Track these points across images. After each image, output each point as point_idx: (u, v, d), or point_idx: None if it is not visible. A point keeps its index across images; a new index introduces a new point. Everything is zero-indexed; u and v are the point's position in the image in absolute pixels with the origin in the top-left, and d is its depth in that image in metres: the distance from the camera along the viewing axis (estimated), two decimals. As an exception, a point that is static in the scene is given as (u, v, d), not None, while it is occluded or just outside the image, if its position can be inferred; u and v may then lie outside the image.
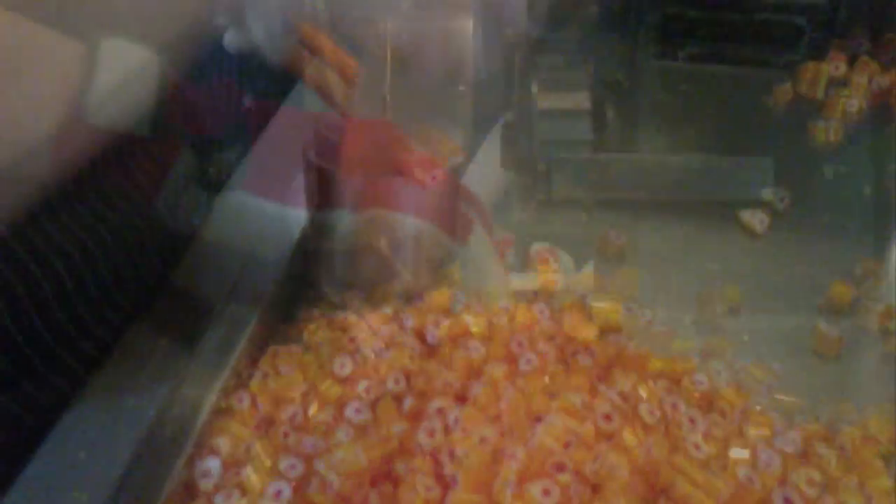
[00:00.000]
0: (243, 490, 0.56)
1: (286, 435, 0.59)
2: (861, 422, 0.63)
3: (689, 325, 0.73)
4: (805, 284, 0.77)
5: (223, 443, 0.58)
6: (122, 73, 0.54)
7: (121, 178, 0.71)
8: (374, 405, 0.61)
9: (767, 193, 0.86)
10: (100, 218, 0.68)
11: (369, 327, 0.69)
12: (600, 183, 0.90)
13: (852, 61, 1.07)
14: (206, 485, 0.56)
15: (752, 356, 0.69)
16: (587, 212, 0.87)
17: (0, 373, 0.64)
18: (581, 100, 0.94)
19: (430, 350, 0.66)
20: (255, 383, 0.64)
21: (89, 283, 0.68)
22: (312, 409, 0.61)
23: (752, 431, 0.60)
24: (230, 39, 0.66)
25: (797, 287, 0.77)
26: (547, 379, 0.62)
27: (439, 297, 0.70)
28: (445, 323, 0.67)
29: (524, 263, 0.79)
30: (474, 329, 0.67)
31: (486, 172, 0.91)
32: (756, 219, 0.83)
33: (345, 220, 0.68)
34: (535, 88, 0.93)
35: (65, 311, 0.66)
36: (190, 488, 0.56)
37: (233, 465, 0.57)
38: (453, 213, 0.70)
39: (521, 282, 0.75)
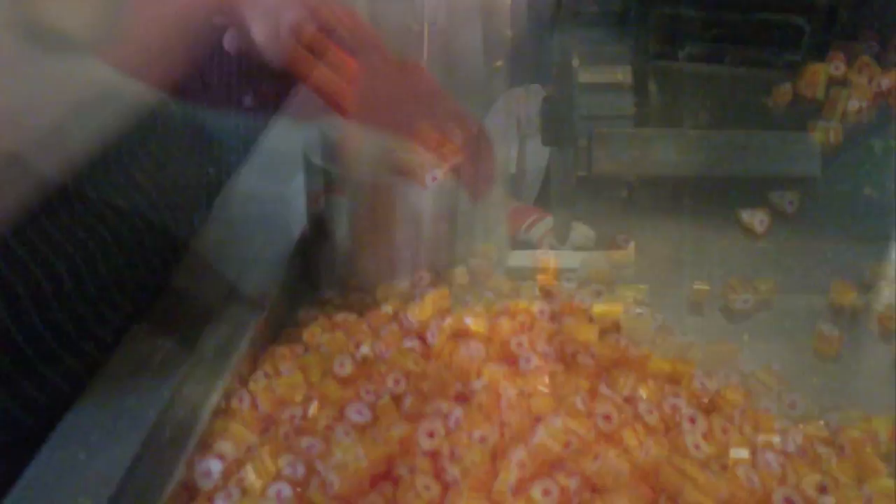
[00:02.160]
0: (244, 490, 0.56)
1: (287, 436, 0.59)
2: (862, 422, 0.63)
3: (693, 326, 0.73)
4: (807, 286, 0.77)
5: (224, 443, 0.58)
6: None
7: (121, 178, 0.71)
8: (374, 406, 0.61)
9: (774, 196, 0.86)
10: (100, 218, 0.68)
11: (369, 327, 0.69)
12: (641, 158, 0.89)
13: (852, 62, 1.06)
14: (206, 484, 0.56)
15: (755, 357, 0.69)
16: (627, 188, 0.87)
17: (0, 372, 0.64)
18: (622, 74, 0.93)
19: (430, 350, 0.66)
20: (255, 384, 0.64)
21: (89, 283, 0.68)
22: (313, 410, 0.61)
23: (753, 432, 0.60)
24: (230, 40, 0.66)
25: (799, 288, 0.77)
26: (547, 379, 0.62)
27: (439, 297, 0.70)
28: (445, 323, 0.67)
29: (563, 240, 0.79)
30: (474, 329, 0.67)
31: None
32: (756, 219, 0.83)
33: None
34: (575, 62, 0.92)
35: (65, 311, 0.66)
36: (190, 488, 0.56)
37: (233, 465, 0.57)
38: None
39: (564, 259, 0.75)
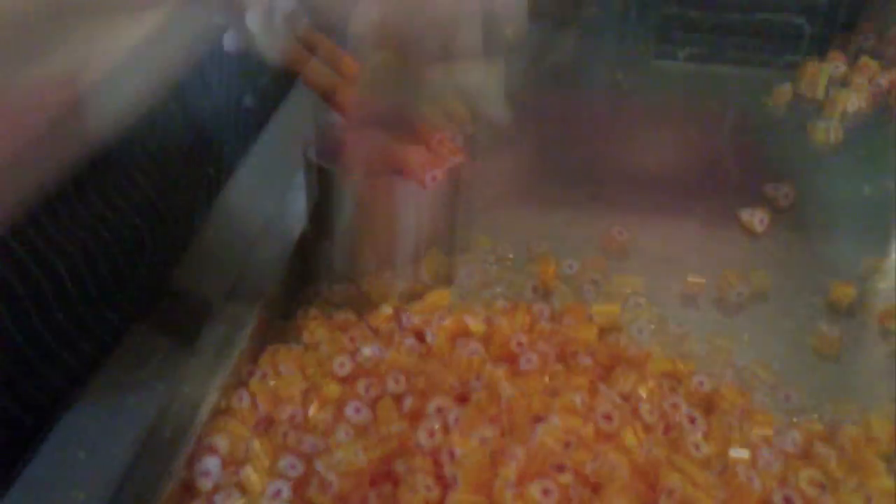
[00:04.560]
0: (243, 490, 0.56)
1: (286, 435, 0.59)
2: (862, 421, 0.63)
3: (691, 322, 0.73)
4: (806, 284, 0.77)
5: (222, 442, 0.58)
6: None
7: (120, 177, 0.71)
8: (373, 405, 0.61)
9: (769, 189, 0.86)
10: (100, 217, 0.68)
11: (369, 326, 0.69)
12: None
13: (853, 61, 1.07)
14: (205, 484, 0.56)
15: (753, 355, 0.69)
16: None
17: (0, 372, 0.64)
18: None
19: (429, 350, 0.66)
20: (254, 382, 0.63)
21: (89, 283, 0.68)
22: (312, 409, 0.61)
23: (753, 431, 0.60)
24: (229, 40, 0.66)
25: (798, 287, 0.77)
26: (547, 379, 0.62)
27: (438, 296, 0.70)
28: (445, 322, 0.67)
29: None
30: (474, 328, 0.67)
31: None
32: (756, 218, 0.83)
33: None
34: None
35: (65, 311, 0.66)
36: (189, 488, 0.56)
37: (232, 464, 0.57)
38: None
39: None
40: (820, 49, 1.08)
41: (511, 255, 0.80)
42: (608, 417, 0.58)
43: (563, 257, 0.78)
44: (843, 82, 1.04)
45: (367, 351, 0.65)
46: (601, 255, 0.79)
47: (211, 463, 0.57)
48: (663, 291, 0.75)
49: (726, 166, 0.93)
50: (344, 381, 0.63)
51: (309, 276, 0.74)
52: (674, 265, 0.79)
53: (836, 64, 1.05)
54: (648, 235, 0.82)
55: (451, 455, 0.55)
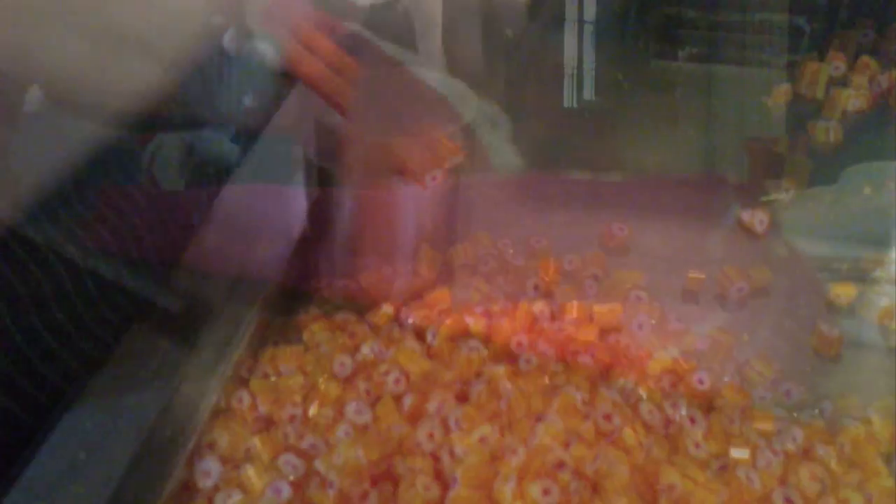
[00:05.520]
0: (243, 489, 0.56)
1: (286, 434, 0.59)
2: (862, 420, 0.63)
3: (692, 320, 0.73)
4: (806, 284, 0.77)
5: (223, 442, 0.58)
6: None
7: (121, 178, 0.71)
8: (374, 405, 0.61)
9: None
10: (99, 218, 0.68)
11: (369, 326, 0.69)
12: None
13: (853, 61, 1.07)
14: (205, 484, 0.56)
15: (754, 355, 0.69)
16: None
17: (0, 372, 0.64)
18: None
19: (430, 349, 0.66)
20: (254, 382, 0.64)
21: (89, 282, 0.68)
22: (312, 409, 0.61)
23: (753, 429, 0.60)
24: (230, 40, 0.66)
25: (798, 287, 0.77)
26: (547, 379, 0.62)
27: (439, 296, 0.70)
28: (445, 322, 0.67)
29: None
30: (474, 328, 0.67)
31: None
32: (756, 219, 0.83)
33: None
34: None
35: (65, 311, 0.66)
36: (190, 487, 0.56)
37: (232, 464, 0.57)
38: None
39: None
40: (820, 49, 1.08)
41: (511, 251, 0.79)
42: (608, 417, 0.58)
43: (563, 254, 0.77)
44: (844, 82, 1.04)
45: (367, 350, 0.65)
46: (601, 251, 0.79)
47: (211, 463, 0.57)
48: (662, 284, 0.75)
49: (726, 166, 0.93)
50: (344, 380, 0.63)
51: (309, 277, 0.74)
52: (671, 257, 0.79)
53: (835, 64, 1.05)
54: (648, 233, 0.82)
55: (452, 454, 0.55)
